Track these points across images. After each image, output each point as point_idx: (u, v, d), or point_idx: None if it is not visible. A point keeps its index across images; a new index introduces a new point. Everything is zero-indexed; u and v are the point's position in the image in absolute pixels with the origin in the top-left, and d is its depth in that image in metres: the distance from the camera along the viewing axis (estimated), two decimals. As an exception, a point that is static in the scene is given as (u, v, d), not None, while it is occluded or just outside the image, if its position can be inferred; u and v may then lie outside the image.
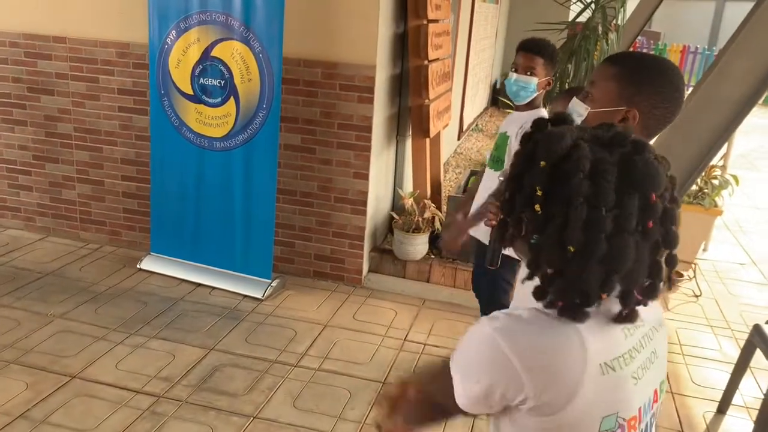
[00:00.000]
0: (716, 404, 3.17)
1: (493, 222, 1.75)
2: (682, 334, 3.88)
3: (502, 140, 2.79)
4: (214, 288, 3.95)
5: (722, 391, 3.18)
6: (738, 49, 3.16)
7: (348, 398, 3.00)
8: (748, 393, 3.28)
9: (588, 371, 0.94)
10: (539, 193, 0.92)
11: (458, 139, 7.14)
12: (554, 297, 0.94)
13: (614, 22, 8.01)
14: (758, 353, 3.03)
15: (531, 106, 2.76)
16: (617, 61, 1.55)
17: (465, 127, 7.40)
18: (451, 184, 5.39)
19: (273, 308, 3.79)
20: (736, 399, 3.17)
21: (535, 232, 0.94)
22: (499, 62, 10.53)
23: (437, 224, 4.03)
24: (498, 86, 10.31)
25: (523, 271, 1.75)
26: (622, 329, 1.02)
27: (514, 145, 2.72)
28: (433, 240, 4.15)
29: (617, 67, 1.52)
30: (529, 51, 2.70)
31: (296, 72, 3.85)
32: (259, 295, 3.86)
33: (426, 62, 4.05)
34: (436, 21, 4.19)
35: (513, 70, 2.74)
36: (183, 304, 3.76)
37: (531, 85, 2.69)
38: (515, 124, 2.75)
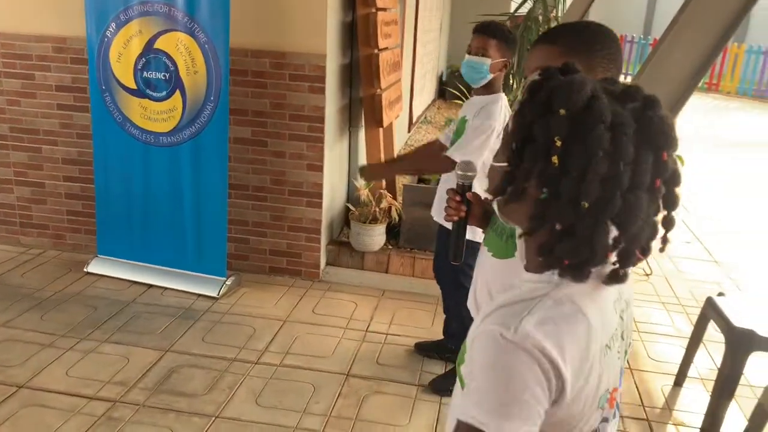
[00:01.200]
0: (673, 377, 3.25)
1: (454, 217, 1.73)
2: (636, 312, 3.96)
3: (461, 124, 2.78)
4: (166, 288, 3.82)
5: (678, 365, 3.26)
6: (676, 37, 3.23)
7: (312, 392, 2.94)
8: (702, 365, 3.37)
9: (596, 355, 0.93)
10: (558, 143, 0.86)
11: (408, 131, 7.13)
12: (562, 255, 0.89)
13: (554, 12, 8.17)
14: (710, 327, 3.12)
15: (489, 89, 2.75)
16: (555, 39, 1.49)
17: (414, 120, 7.40)
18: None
19: (229, 306, 3.69)
20: (692, 371, 3.25)
21: (547, 185, 0.88)
22: (444, 54, 10.58)
23: (394, 214, 4.00)
24: (444, 78, 10.37)
25: (493, 241, 1.71)
26: (614, 304, 1.00)
27: (470, 126, 2.71)
28: (391, 230, 4.13)
29: (558, 45, 1.47)
30: (482, 33, 2.68)
31: (244, 63, 3.75)
32: (214, 294, 3.75)
33: (376, 51, 4.02)
34: (384, 9, 4.16)
35: (468, 52, 2.72)
36: (135, 306, 3.62)
37: (483, 66, 2.67)
38: (473, 108, 2.74)
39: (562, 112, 0.86)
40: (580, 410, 0.93)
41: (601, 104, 0.86)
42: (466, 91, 8.67)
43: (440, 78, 10.28)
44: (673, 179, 0.90)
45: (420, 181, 4.33)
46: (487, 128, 2.63)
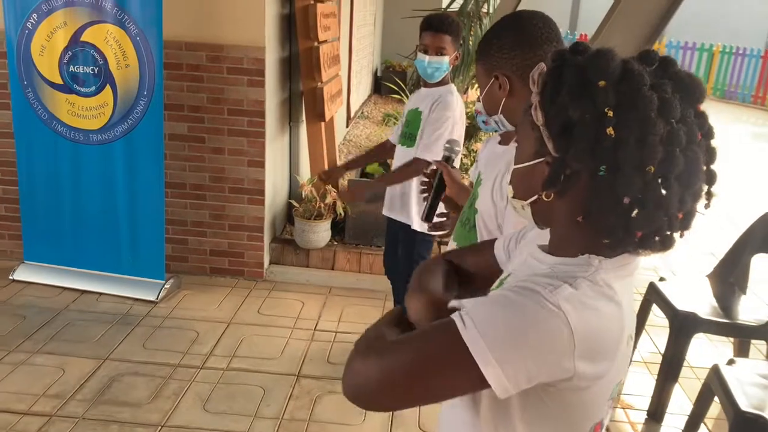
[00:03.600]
0: (618, 362, 3.31)
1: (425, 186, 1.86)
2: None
3: (414, 116, 2.74)
4: (101, 294, 3.62)
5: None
6: (613, 27, 3.31)
7: (262, 395, 2.85)
8: (645, 349, 3.46)
9: (622, 345, 0.90)
10: (610, 114, 0.82)
11: (347, 126, 7.06)
12: (637, 227, 0.85)
13: (486, 8, 8.28)
14: (652, 312, 3.20)
15: (442, 82, 2.73)
16: (478, 44, 1.55)
17: (352, 115, 7.34)
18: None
19: (169, 310, 3.53)
20: (635, 356, 3.33)
21: (604, 161, 0.84)
22: (378, 49, 10.56)
23: (339, 209, 3.92)
24: (379, 73, 10.34)
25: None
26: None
27: (424, 120, 2.68)
28: (335, 226, 4.05)
29: (478, 50, 1.54)
30: (436, 30, 2.64)
31: (178, 56, 3.60)
32: (152, 298, 3.58)
33: (316, 43, 3.93)
34: (322, 1, 4.07)
35: (422, 51, 2.67)
36: (68, 313, 3.42)
37: (443, 65, 2.65)
38: (427, 100, 2.71)
39: (603, 83, 0.83)
40: (592, 399, 0.90)
41: (636, 67, 0.85)
42: (402, 85, 8.69)
43: (375, 73, 10.25)
44: (710, 132, 0.89)
45: (363, 175, 4.28)
46: (446, 119, 2.63)
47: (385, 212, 2.93)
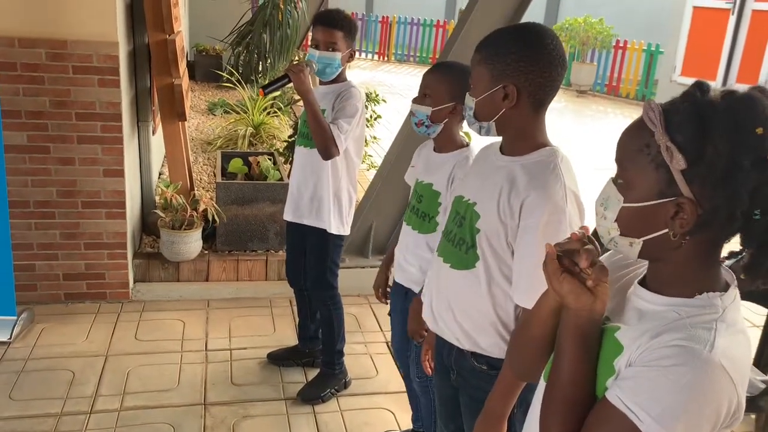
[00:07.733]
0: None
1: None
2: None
3: None
4: (-68, 342, 3.03)
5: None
6: (476, 19, 3.46)
7: (173, 433, 2.60)
8: None
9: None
10: None
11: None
12: None
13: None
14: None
15: (338, 79, 2.64)
16: (480, 46, 1.53)
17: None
18: (200, 169, 4.93)
19: (29, 350, 3.06)
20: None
21: (760, 206, 0.88)
22: (187, 32, 9.93)
23: (212, 216, 3.62)
24: (191, 58, 9.75)
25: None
26: None
27: (329, 117, 2.57)
28: (202, 233, 3.74)
29: (481, 52, 1.51)
30: (327, 26, 2.54)
31: (10, 54, 3.07)
32: (5, 338, 3.07)
33: (170, 36, 3.58)
34: (169, -11, 3.70)
35: (314, 46, 2.56)
36: None
37: (335, 61, 2.55)
38: (329, 98, 2.60)
39: (760, 131, 0.87)
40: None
41: None
42: (216, 73, 8.26)
43: (186, 57, 9.64)
44: None
45: (226, 174, 3.98)
46: (357, 110, 2.53)
47: (290, 218, 2.78)
